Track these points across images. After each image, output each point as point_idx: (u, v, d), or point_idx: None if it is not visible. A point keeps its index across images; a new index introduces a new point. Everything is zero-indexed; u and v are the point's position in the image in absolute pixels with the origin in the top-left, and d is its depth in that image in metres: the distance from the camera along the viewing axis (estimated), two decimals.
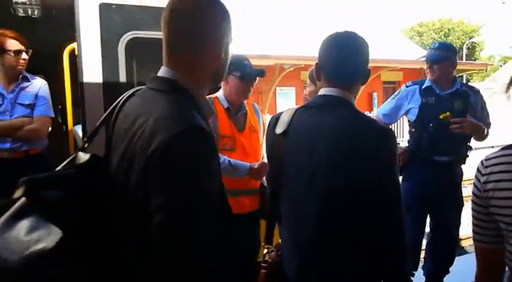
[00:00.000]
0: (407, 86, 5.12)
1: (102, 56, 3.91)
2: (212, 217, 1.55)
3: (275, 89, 23.01)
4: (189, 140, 1.56)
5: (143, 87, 1.88)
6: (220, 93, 3.95)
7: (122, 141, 1.74)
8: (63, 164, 1.79)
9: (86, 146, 1.90)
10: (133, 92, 1.91)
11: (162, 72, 1.83)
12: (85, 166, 1.76)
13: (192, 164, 1.55)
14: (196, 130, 1.58)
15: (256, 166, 3.82)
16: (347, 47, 2.43)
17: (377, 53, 22.55)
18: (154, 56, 2.80)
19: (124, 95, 1.89)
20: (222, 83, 3.67)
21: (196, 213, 1.53)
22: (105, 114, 1.88)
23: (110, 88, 3.93)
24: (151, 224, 1.56)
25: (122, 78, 4.03)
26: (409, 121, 5.11)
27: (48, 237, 1.48)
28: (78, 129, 4.59)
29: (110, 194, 1.70)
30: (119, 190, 1.67)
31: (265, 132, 2.87)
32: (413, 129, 5.02)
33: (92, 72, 3.93)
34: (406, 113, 5.11)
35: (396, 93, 5.18)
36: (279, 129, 2.50)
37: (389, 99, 5.20)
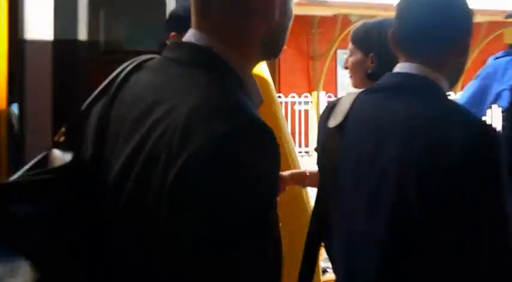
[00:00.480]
0: (496, 58, 4.20)
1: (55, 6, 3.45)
2: (275, 257, 1.31)
3: (335, 52, 16.59)
4: (245, 143, 1.23)
5: (154, 56, 1.49)
6: None
7: (128, 136, 1.35)
8: (27, 167, 1.41)
9: (62, 140, 1.47)
10: (140, 63, 1.47)
11: (191, 36, 1.44)
12: (66, 171, 1.38)
13: (251, 179, 1.22)
14: (255, 128, 1.25)
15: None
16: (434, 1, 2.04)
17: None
18: (131, 8, 2.74)
19: (125, 65, 1.48)
20: None
21: (258, 253, 1.23)
22: (94, 94, 1.47)
23: (64, 51, 3.47)
24: (178, 263, 1.22)
25: (82, 36, 3.53)
26: (501, 110, 4.05)
27: (11, 279, 1.21)
28: (15, 109, 4.11)
29: (106, 213, 1.35)
30: (124, 209, 1.32)
31: (318, 127, 2.29)
32: (506, 122, 3.92)
33: (38, 27, 3.43)
34: (497, 99, 4.09)
35: (481, 70, 4.22)
36: (332, 122, 2.07)
37: (472, 80, 4.22)
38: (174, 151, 1.22)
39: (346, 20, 15.52)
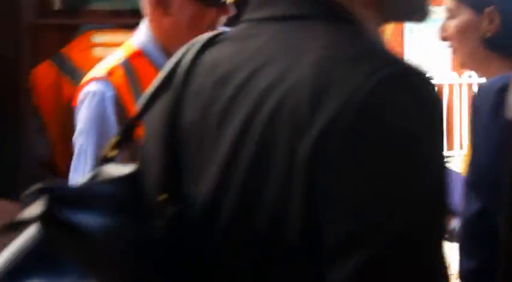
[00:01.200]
0: None
1: None
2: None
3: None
4: (411, 97, 0.90)
5: (223, 30, 1.15)
6: (144, 40, 2.13)
7: (220, 126, 1.00)
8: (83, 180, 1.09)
9: (112, 154, 1.13)
10: (209, 39, 1.10)
11: None
12: (133, 178, 1.08)
13: (422, 146, 0.89)
14: (415, 74, 0.91)
15: None
16: None
17: None
18: None
19: (184, 48, 1.11)
20: (150, 16, 2.08)
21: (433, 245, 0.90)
22: (149, 93, 1.10)
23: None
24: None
25: None
26: None
27: None
28: None
29: (198, 229, 1.01)
30: (232, 222, 0.97)
31: (471, 122, 1.67)
32: None
33: None
34: None
35: None
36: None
37: None
38: (303, 123, 0.90)
39: None
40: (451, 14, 1.89)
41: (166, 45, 2.07)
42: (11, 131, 2.72)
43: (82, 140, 2.02)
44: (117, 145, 1.12)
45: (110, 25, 2.94)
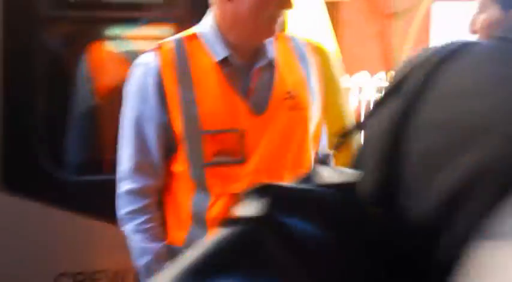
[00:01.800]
0: None
1: None
2: None
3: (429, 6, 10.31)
4: None
5: (474, 40, 1.08)
6: (205, 26, 2.09)
7: (462, 148, 0.95)
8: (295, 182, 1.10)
9: (334, 153, 1.19)
10: (454, 49, 1.04)
11: None
12: (351, 185, 1.05)
13: None
14: None
15: None
16: None
17: None
18: None
19: (424, 54, 1.07)
20: (214, 2, 2.06)
21: None
22: (379, 98, 1.09)
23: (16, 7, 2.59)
24: None
25: None
26: None
27: None
28: None
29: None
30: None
31: None
32: None
33: None
34: None
35: None
36: None
37: None
38: None
39: None
40: (481, 8, 1.84)
41: (226, 32, 2.04)
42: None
43: (124, 110, 2.05)
44: (336, 146, 1.12)
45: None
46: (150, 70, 1.99)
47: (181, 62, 2.01)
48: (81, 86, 2.74)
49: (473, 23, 1.87)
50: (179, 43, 2.04)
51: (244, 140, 2.03)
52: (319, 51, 2.36)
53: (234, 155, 2.03)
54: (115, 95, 2.63)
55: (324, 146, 2.26)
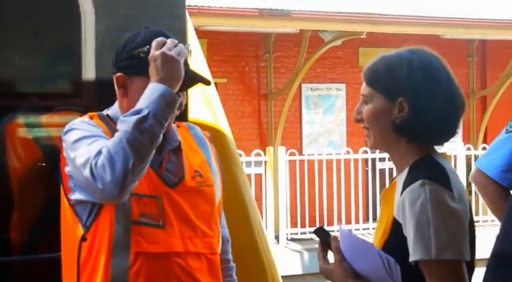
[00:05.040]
0: None
1: None
2: None
3: (300, 86, 11.67)
4: None
5: None
6: (115, 112, 2.36)
7: None
8: None
9: None
10: None
11: None
12: None
13: None
14: None
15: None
16: None
17: None
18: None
19: None
20: (118, 93, 2.35)
21: None
22: None
23: None
24: None
25: None
26: None
27: None
28: None
29: None
30: None
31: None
32: None
33: None
34: None
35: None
36: None
37: (500, 136, 3.41)
38: None
39: (315, 38, 10.61)
40: (366, 99, 1.97)
41: None
42: None
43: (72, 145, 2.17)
44: None
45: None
46: (89, 121, 2.26)
47: (110, 128, 2.25)
48: None
49: (358, 112, 1.99)
50: (102, 116, 2.31)
51: (162, 206, 2.24)
52: (214, 140, 2.64)
53: (155, 218, 2.24)
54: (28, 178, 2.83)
55: (223, 226, 2.50)
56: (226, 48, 10.90)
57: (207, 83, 2.44)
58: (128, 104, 2.28)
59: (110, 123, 2.28)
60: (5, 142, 2.84)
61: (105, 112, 2.33)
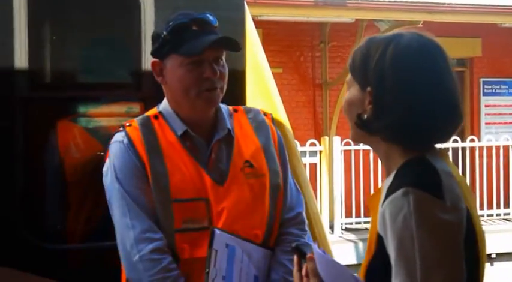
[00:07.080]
0: None
1: None
2: None
3: None
4: None
5: None
6: (164, 105, 2.31)
7: None
8: None
9: None
10: None
11: None
12: None
13: None
14: None
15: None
16: None
17: None
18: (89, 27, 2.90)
19: None
20: (160, 83, 2.29)
21: None
22: None
23: None
24: None
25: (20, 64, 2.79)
26: None
27: None
28: None
29: None
30: None
31: None
32: None
33: None
34: None
35: None
36: None
37: None
38: None
39: (371, 28, 9.98)
40: (348, 87, 1.73)
41: (176, 110, 2.24)
42: None
43: (111, 182, 2.19)
44: None
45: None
46: (126, 145, 2.16)
47: (150, 137, 2.18)
48: (53, 160, 2.87)
49: (342, 100, 1.83)
50: (146, 121, 2.23)
51: (210, 208, 2.16)
52: (275, 121, 2.56)
53: (201, 221, 2.15)
54: (86, 168, 2.91)
55: (290, 207, 2.33)
56: (281, 38, 10.68)
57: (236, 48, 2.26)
58: (169, 90, 2.24)
59: (153, 130, 2.21)
60: (69, 133, 2.93)
61: (159, 108, 2.27)
